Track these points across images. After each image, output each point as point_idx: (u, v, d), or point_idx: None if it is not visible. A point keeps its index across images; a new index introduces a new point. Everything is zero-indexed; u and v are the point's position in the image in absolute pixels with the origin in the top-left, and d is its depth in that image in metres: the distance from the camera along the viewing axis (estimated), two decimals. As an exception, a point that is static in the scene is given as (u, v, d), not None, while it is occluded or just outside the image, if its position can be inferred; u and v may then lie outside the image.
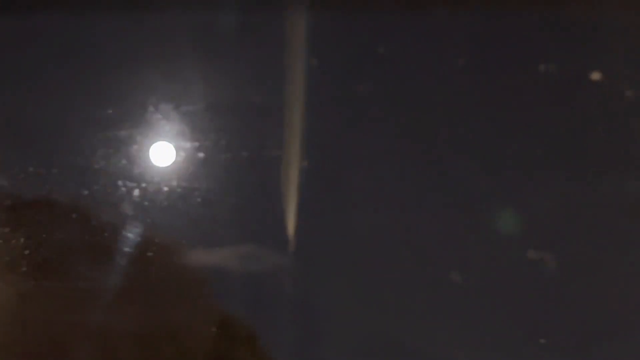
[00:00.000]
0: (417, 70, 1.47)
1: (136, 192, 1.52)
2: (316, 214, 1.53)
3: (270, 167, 1.52)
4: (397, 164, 1.51)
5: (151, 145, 1.49)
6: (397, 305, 1.54)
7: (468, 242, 1.51)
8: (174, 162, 1.49)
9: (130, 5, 1.43)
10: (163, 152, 1.50)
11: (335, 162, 1.51)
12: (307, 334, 1.56)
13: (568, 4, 1.42)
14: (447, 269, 1.50)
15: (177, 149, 1.49)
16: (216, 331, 1.54)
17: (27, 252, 1.57)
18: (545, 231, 1.48)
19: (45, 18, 1.45)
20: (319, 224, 1.52)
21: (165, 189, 1.51)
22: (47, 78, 1.47)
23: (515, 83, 1.46)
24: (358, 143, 1.48)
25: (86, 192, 1.52)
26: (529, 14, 1.42)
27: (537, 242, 1.46)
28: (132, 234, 1.55)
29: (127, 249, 1.54)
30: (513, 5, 1.41)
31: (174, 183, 1.51)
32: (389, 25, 1.47)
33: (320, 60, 1.45)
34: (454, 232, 1.51)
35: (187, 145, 1.48)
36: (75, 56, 1.46)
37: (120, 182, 1.52)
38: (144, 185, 1.52)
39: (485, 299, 1.51)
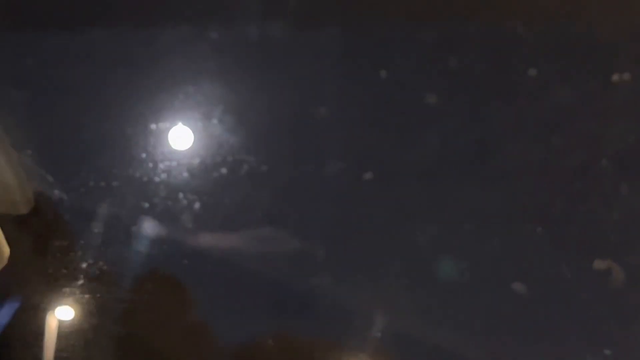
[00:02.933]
0: (487, 82, 1.43)
1: (197, 205, 1.49)
2: (374, 224, 1.50)
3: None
4: (462, 175, 1.48)
5: (212, 156, 1.46)
6: (454, 316, 1.52)
7: (532, 253, 1.49)
8: (229, 174, 1.46)
9: (193, 18, 1.38)
10: (222, 164, 1.46)
11: (398, 173, 1.47)
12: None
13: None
14: (510, 280, 1.47)
15: (240, 162, 1.45)
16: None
17: (84, 264, 1.54)
18: (612, 241, 1.46)
19: (103, 32, 1.41)
20: (376, 235, 1.50)
21: (227, 200, 1.48)
22: (106, 91, 1.43)
23: (588, 93, 1.43)
24: (421, 155, 1.45)
25: (147, 205, 1.49)
26: (601, 22, 1.38)
27: (604, 252, 1.44)
28: (191, 246, 1.52)
29: (185, 262, 1.52)
30: (586, 14, 1.37)
31: (236, 197, 1.48)
32: (458, 36, 1.43)
33: (389, 72, 1.41)
34: (518, 243, 1.49)
35: (250, 158, 1.45)
36: (135, 68, 1.42)
37: (181, 195, 1.48)
38: (205, 197, 1.49)
39: (550, 310, 1.49)
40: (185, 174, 1.48)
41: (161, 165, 1.48)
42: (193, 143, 1.47)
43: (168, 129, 1.47)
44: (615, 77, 1.41)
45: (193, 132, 1.48)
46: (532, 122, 1.45)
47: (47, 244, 1.54)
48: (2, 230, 1.31)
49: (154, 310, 1.52)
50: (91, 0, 1.40)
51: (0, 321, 1.55)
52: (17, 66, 1.43)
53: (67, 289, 1.56)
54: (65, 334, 1.54)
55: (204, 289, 1.54)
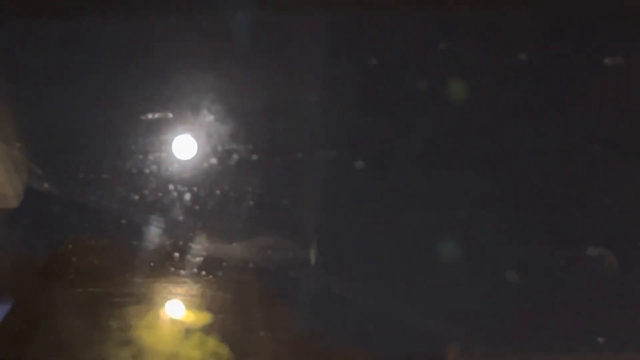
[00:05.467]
0: (479, 66, 1.43)
1: (187, 196, 1.47)
2: (365, 213, 1.49)
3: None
4: (455, 162, 1.47)
5: (202, 146, 1.44)
6: (448, 304, 1.51)
7: (525, 240, 1.47)
8: (221, 165, 1.45)
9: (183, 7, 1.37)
10: (213, 154, 1.45)
11: (390, 161, 1.46)
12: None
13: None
14: (503, 268, 1.46)
15: (230, 151, 1.44)
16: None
17: (74, 259, 1.52)
18: (605, 227, 1.45)
19: (93, 20, 1.39)
20: (374, 225, 1.48)
21: (218, 192, 1.46)
22: (95, 82, 1.42)
23: (580, 77, 1.42)
24: (414, 142, 1.44)
25: (136, 197, 1.47)
26: (593, 6, 1.37)
27: (597, 239, 1.43)
28: (181, 239, 1.51)
29: (175, 255, 1.50)
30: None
31: (226, 187, 1.47)
32: (450, 21, 1.42)
33: (380, 58, 1.40)
34: (511, 230, 1.48)
35: (240, 147, 1.43)
36: (125, 57, 1.40)
37: (171, 186, 1.47)
38: (195, 188, 1.47)
39: (543, 297, 1.48)
40: (176, 165, 1.47)
41: (151, 157, 1.47)
42: (184, 133, 1.45)
43: (158, 120, 1.45)
44: (607, 61, 1.40)
45: (183, 122, 1.46)
46: (524, 106, 1.44)
47: (37, 238, 1.52)
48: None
49: (145, 305, 1.50)
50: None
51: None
52: (6, 56, 1.41)
53: (56, 283, 1.54)
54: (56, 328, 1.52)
55: (199, 285, 1.52)
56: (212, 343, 1.53)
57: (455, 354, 1.50)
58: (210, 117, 1.45)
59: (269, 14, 1.39)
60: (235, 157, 1.45)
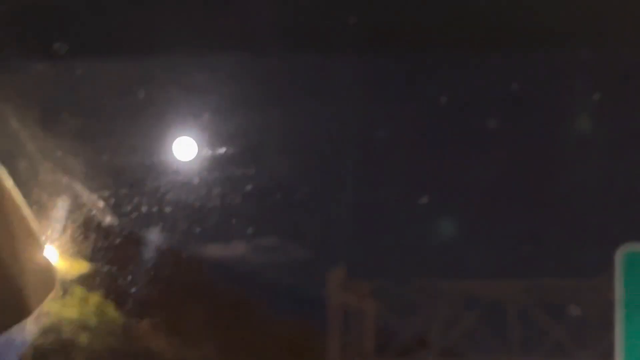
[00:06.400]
0: (549, 106, 1.42)
1: (249, 230, 1.47)
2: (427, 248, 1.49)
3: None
4: (522, 199, 1.47)
5: (266, 182, 1.43)
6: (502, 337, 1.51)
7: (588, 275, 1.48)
8: (282, 200, 1.44)
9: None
10: (276, 189, 1.44)
11: (456, 197, 1.47)
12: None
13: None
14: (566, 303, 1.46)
15: (293, 189, 1.43)
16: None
17: (133, 289, 1.52)
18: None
19: (156, 59, 1.38)
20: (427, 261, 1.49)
21: (279, 227, 1.46)
22: (161, 117, 1.41)
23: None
24: (481, 179, 1.44)
25: (198, 230, 1.47)
26: None
27: None
28: (240, 274, 1.51)
29: (234, 290, 1.50)
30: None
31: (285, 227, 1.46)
32: (520, 61, 1.41)
33: (450, 97, 1.39)
34: (573, 266, 1.48)
35: (304, 187, 1.42)
36: (191, 95, 1.39)
37: (234, 220, 1.46)
38: (262, 223, 1.47)
39: (606, 332, 1.49)
40: (239, 199, 1.46)
41: (214, 190, 1.46)
42: (250, 169, 1.44)
43: (221, 156, 1.44)
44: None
45: (247, 156, 1.45)
46: (595, 145, 1.43)
47: (97, 270, 1.51)
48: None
49: (203, 333, 1.50)
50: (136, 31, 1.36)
51: (26, 339, 1.52)
52: (71, 94, 1.40)
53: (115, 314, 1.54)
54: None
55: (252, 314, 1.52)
56: (95, 300, 1.45)
57: (341, 274, 1.50)
58: (270, 154, 1.44)
59: (343, 52, 1.37)
60: (298, 194, 1.44)
